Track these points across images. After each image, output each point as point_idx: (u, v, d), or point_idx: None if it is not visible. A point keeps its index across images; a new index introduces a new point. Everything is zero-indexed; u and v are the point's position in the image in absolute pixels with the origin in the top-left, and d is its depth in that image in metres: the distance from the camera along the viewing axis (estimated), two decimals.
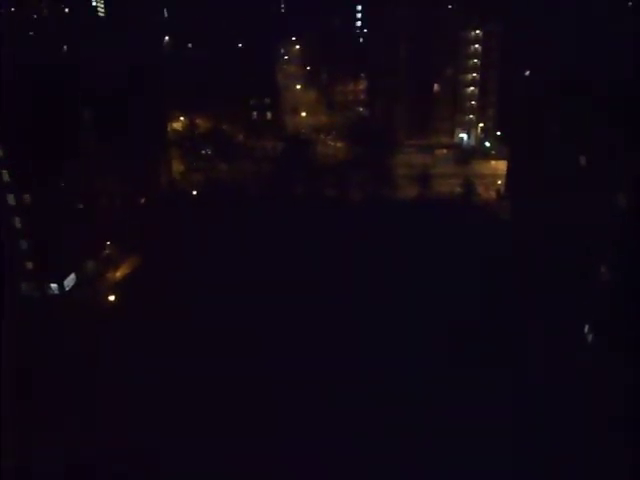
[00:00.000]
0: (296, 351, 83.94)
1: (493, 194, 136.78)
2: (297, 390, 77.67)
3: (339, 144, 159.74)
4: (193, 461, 71.00)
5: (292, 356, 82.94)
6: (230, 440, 71.76)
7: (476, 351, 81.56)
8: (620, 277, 77.51)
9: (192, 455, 71.42)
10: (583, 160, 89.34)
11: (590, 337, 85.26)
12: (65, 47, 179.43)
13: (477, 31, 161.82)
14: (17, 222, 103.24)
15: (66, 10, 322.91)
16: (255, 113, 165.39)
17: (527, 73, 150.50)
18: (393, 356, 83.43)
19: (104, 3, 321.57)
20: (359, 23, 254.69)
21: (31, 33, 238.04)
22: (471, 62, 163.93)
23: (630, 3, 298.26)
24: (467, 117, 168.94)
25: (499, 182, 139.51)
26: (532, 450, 68.78)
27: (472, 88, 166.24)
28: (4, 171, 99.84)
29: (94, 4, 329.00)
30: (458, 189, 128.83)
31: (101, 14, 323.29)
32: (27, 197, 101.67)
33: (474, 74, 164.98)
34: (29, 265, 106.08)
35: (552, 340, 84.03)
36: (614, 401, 71.48)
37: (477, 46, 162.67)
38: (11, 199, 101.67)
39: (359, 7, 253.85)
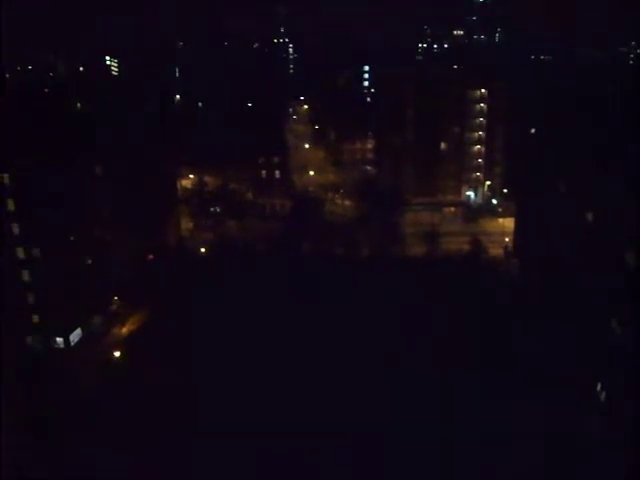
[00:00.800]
0: (305, 416, 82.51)
1: (501, 251, 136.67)
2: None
3: (347, 202, 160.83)
4: None
5: (302, 421, 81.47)
6: None
7: (484, 412, 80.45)
8: (631, 333, 76.71)
9: None
10: (590, 217, 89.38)
11: (603, 395, 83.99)
12: (79, 104, 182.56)
13: (482, 90, 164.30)
14: (25, 275, 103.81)
15: (81, 68, 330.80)
16: (264, 171, 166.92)
17: (533, 131, 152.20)
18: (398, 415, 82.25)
19: (118, 62, 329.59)
20: (366, 83, 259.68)
21: (46, 90, 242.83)
22: (477, 121, 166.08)
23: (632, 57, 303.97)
24: (474, 175, 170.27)
25: (507, 240, 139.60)
26: None
27: (478, 146, 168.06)
28: (14, 224, 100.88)
29: (108, 63, 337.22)
30: (466, 247, 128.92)
31: (115, 73, 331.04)
32: (36, 251, 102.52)
33: (480, 132, 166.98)
34: (35, 318, 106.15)
35: (564, 399, 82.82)
36: (627, 460, 70.12)
37: (482, 105, 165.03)
38: (20, 252, 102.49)
39: (366, 67, 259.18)
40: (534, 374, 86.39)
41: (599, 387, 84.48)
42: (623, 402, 76.94)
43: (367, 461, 75.15)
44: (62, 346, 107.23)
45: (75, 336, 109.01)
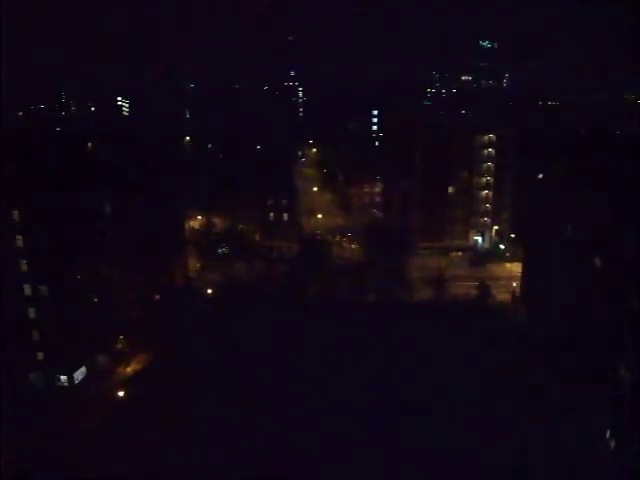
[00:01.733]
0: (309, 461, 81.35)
1: (508, 296, 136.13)
2: None
3: (354, 246, 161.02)
4: None
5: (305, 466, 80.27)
6: None
7: (491, 461, 79.28)
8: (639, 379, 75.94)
9: None
10: (598, 262, 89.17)
11: (612, 443, 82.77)
12: (90, 144, 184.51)
13: (490, 135, 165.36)
14: (31, 312, 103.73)
15: (92, 109, 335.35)
16: (272, 214, 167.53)
17: (540, 176, 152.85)
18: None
19: (129, 103, 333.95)
20: (375, 127, 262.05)
21: (58, 129, 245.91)
22: (485, 165, 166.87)
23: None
24: (481, 220, 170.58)
25: (514, 284, 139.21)
26: None
27: (486, 191, 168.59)
28: (22, 261, 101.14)
29: (119, 103, 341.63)
30: (473, 291, 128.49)
31: (125, 113, 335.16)
32: (43, 288, 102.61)
33: (488, 177, 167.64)
34: (40, 355, 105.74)
35: (572, 447, 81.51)
36: None
37: (490, 149, 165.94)
38: (27, 289, 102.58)
39: (375, 112, 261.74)
40: (539, 421, 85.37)
41: (608, 434, 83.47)
42: (633, 449, 75.84)
43: None
44: (66, 384, 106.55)
45: (79, 374, 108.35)
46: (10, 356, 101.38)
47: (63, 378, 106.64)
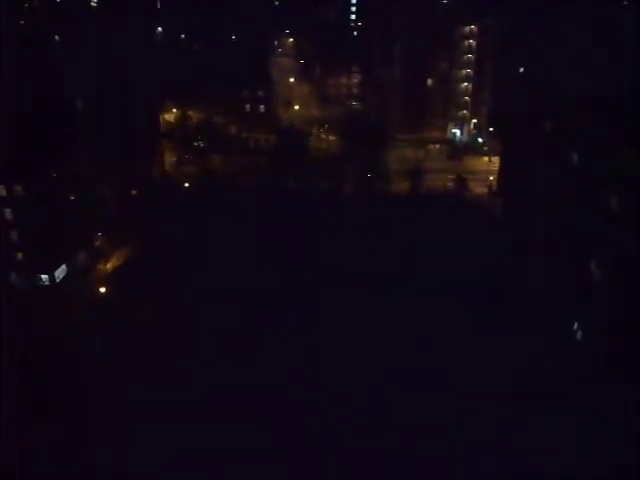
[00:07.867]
0: (297, 356, 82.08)
1: (485, 190, 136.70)
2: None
3: (332, 137, 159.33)
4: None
5: (293, 363, 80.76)
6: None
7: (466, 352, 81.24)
8: (610, 275, 77.47)
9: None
10: (576, 158, 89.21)
11: (579, 334, 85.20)
12: (57, 37, 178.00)
13: (472, 26, 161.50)
14: (8, 213, 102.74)
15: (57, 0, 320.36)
16: (248, 105, 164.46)
17: (521, 70, 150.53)
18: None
19: None
20: (353, 16, 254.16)
21: (22, 22, 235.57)
22: (465, 57, 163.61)
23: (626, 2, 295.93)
24: (460, 113, 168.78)
25: (491, 178, 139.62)
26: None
27: (466, 84, 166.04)
28: None
29: None
30: (450, 184, 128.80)
31: (93, 4, 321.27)
32: (18, 188, 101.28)
33: (468, 70, 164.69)
34: (19, 256, 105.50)
35: (540, 337, 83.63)
36: (604, 398, 71.51)
37: (472, 41, 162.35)
38: (2, 190, 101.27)
39: (354, 0, 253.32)
40: (512, 312, 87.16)
41: (576, 326, 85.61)
42: (598, 340, 77.78)
43: None
44: (47, 283, 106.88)
45: (60, 272, 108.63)
46: None
47: (44, 277, 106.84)
